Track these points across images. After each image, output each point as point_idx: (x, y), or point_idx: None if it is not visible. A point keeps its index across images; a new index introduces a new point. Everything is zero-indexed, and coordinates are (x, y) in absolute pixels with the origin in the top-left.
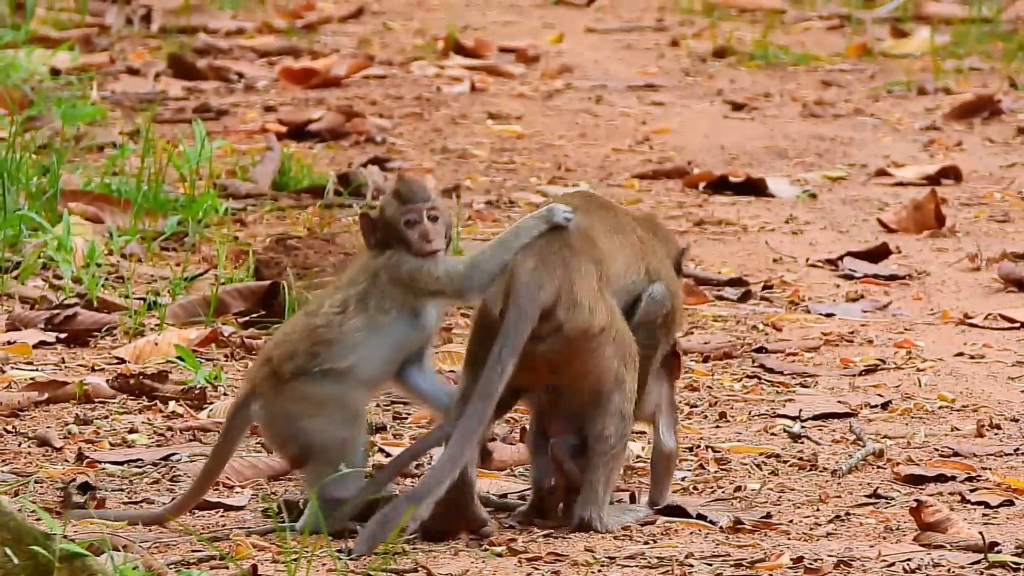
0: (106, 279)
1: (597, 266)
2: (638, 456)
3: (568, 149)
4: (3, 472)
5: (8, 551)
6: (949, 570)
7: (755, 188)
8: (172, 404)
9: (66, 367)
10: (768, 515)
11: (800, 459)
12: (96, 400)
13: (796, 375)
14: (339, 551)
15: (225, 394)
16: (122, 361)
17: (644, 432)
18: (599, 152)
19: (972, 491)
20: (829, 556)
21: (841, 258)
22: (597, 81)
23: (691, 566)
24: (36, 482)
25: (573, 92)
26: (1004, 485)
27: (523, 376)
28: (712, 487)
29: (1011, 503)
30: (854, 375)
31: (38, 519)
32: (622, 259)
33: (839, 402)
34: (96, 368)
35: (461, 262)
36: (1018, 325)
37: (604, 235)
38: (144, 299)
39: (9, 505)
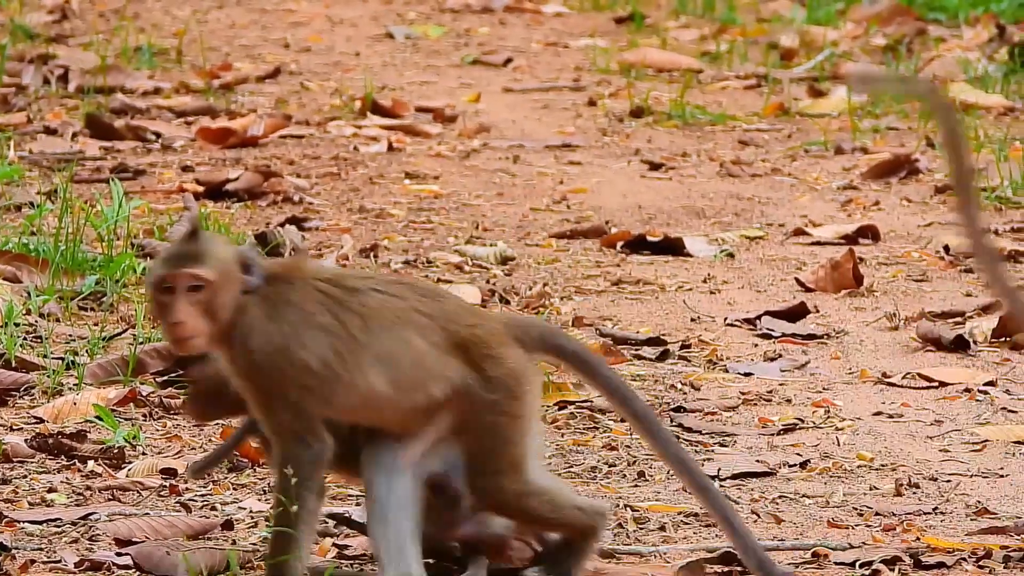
0: (24, 339)
1: None
2: None
3: (486, 209)
4: None
5: None
6: None
7: (673, 247)
8: (91, 463)
9: None
10: None
11: None
12: (15, 459)
13: (714, 434)
14: None
15: (144, 453)
16: (40, 421)
17: None
18: (517, 211)
19: None
20: None
21: (759, 317)
22: (514, 141)
23: None
24: None
25: (490, 152)
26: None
27: None
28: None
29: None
30: (772, 434)
31: None
32: None
33: (758, 461)
34: (14, 428)
35: None
36: (936, 384)
37: None
38: (62, 359)
39: None
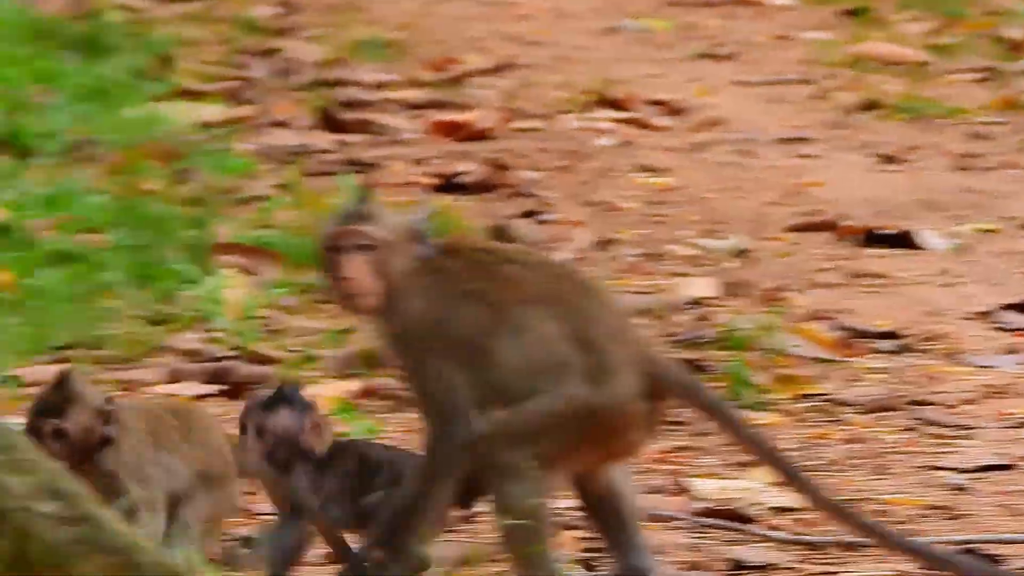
0: (262, 332)
1: None
2: None
3: (718, 202)
4: None
5: None
6: None
7: (906, 241)
8: None
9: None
10: None
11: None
12: None
13: (955, 427)
14: None
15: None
16: None
17: None
18: (748, 205)
19: None
20: None
21: (996, 310)
22: (744, 134)
23: None
24: None
25: (721, 145)
26: None
27: None
28: None
29: None
30: (1013, 427)
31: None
32: None
33: (998, 454)
34: None
35: None
36: None
37: None
38: (300, 351)
39: (171, 557)
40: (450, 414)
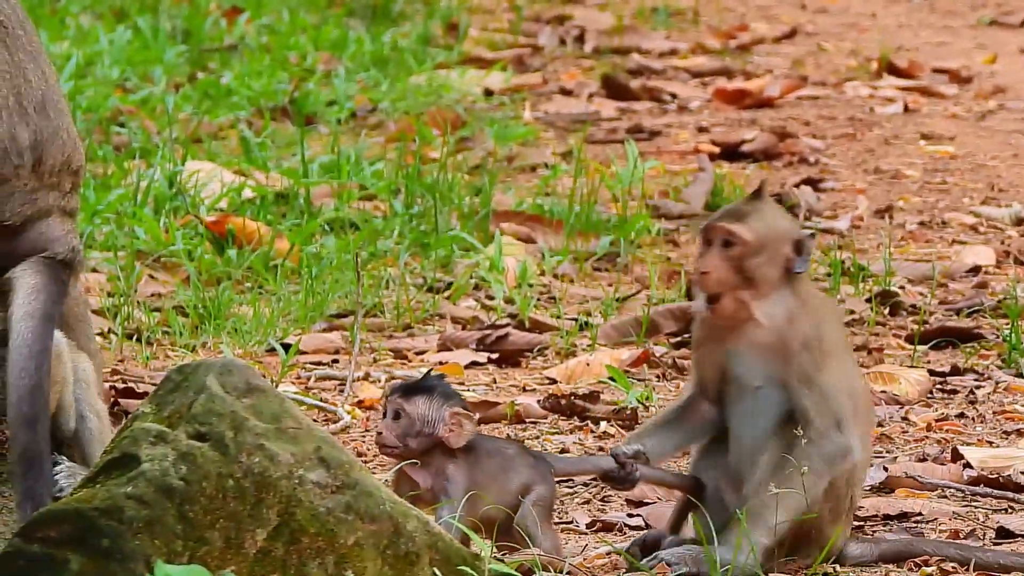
0: (538, 299)
1: None
2: None
3: (1001, 170)
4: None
5: (437, 572)
6: None
7: None
8: (603, 424)
9: (497, 387)
10: None
11: None
12: (527, 420)
13: None
14: None
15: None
16: (553, 381)
17: None
18: None
19: None
20: None
21: None
22: None
23: None
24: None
25: (1006, 113)
26: None
27: None
28: None
29: None
30: None
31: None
32: None
33: None
34: (527, 388)
35: None
36: None
37: None
38: (576, 319)
39: (437, 526)
40: (841, 417)
